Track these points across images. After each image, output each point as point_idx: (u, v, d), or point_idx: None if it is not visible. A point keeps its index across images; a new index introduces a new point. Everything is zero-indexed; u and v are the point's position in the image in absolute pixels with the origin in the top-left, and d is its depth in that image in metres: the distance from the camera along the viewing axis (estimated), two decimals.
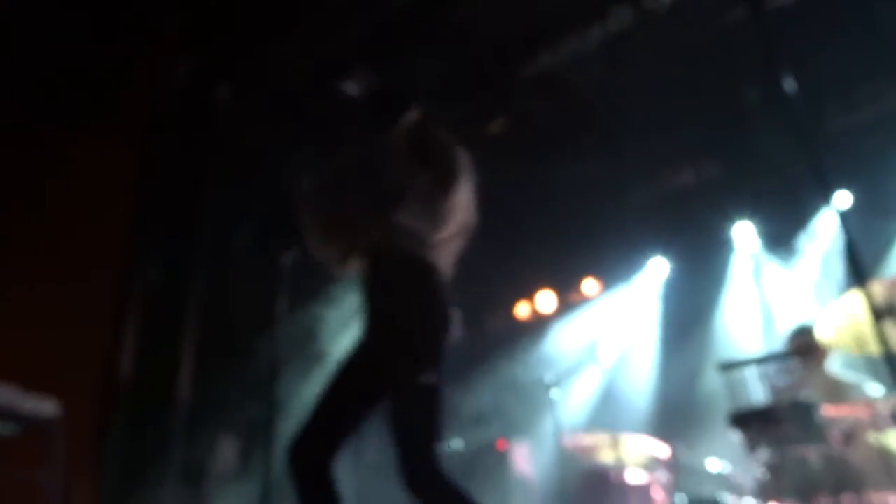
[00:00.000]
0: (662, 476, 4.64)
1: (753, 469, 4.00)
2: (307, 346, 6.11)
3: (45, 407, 3.21)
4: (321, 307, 6.17)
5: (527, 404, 6.93)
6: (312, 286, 5.17)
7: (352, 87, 5.94)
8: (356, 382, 2.39)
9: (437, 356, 2.53)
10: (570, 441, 4.94)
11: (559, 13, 5.59)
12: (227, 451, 5.04)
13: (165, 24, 5.20)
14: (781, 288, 7.13)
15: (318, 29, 5.35)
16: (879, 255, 6.16)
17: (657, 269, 7.94)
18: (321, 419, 2.34)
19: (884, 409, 3.68)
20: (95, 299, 4.52)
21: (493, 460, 5.69)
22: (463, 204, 2.70)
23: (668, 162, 7.10)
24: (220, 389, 5.21)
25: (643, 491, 4.92)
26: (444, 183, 2.65)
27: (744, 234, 7.36)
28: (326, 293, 6.05)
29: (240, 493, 4.93)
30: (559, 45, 5.83)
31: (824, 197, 2.17)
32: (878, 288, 3.57)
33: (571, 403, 7.42)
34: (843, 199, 6.06)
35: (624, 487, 4.62)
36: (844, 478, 3.56)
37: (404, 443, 2.46)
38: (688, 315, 7.53)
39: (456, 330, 2.59)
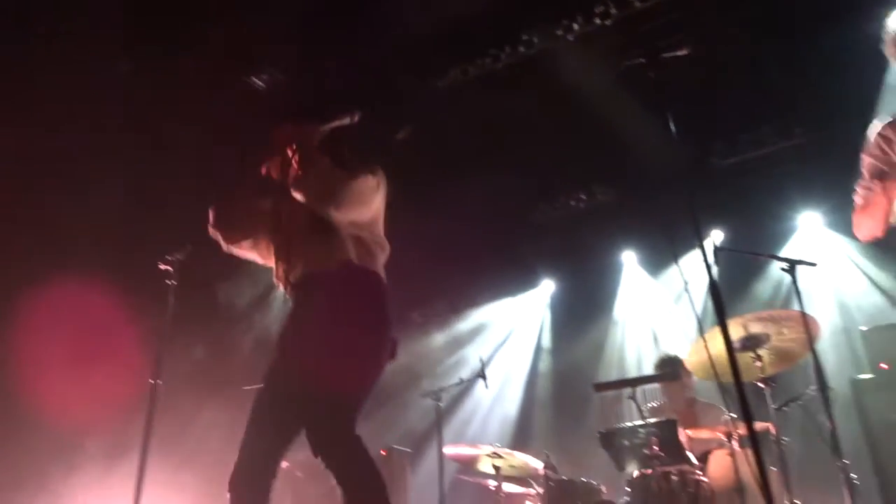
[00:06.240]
0: (537, 489, 4.77)
1: (621, 486, 4.19)
2: None
3: None
4: None
5: (409, 413, 6.97)
6: None
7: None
8: (284, 413, 2.25)
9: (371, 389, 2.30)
10: (450, 451, 5.01)
11: (472, 32, 5.68)
12: None
13: None
14: (660, 314, 7.49)
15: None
16: (745, 290, 6.60)
17: (546, 288, 8.18)
18: (250, 450, 2.25)
19: (737, 433, 3.93)
20: None
21: None
22: (377, 205, 2.51)
23: (566, 185, 7.31)
24: None
25: (518, 501, 5.05)
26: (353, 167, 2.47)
27: (630, 260, 7.71)
28: None
29: None
30: (470, 63, 5.94)
31: (697, 235, 2.30)
32: (738, 323, 3.81)
33: (455, 416, 7.50)
34: (715, 236, 6.52)
35: (499, 497, 4.72)
36: (700, 496, 3.79)
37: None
38: (573, 335, 7.79)
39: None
